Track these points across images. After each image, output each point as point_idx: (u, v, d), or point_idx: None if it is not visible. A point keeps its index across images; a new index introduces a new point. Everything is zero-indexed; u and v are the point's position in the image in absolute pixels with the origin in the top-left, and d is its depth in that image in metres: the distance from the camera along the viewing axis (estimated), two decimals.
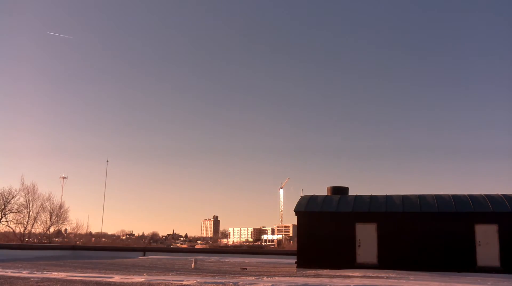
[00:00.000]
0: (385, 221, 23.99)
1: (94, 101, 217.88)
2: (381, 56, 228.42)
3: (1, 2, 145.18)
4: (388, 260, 23.13)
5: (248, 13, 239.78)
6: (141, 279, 15.63)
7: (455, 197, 24.26)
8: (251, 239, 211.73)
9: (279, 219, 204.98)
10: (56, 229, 54.71)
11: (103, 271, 20.25)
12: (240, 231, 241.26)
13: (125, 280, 15.07)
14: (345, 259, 23.64)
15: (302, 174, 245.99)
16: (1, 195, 47.39)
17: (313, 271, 22.00)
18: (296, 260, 24.76)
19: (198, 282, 14.77)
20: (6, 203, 47.67)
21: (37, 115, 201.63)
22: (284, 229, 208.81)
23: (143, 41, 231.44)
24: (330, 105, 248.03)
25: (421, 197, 24.78)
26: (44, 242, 49.01)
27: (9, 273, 17.50)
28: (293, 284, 14.46)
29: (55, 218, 51.77)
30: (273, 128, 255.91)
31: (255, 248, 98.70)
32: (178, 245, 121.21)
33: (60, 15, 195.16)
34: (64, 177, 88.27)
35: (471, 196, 24.13)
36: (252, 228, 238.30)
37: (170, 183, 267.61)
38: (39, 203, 50.34)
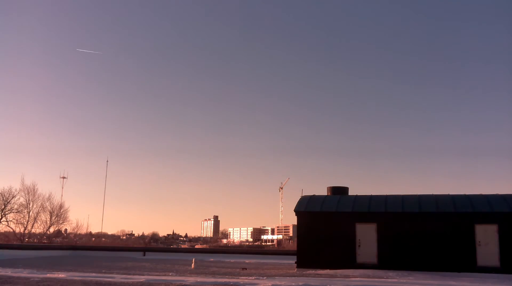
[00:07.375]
0: (385, 221, 24.01)
1: (94, 101, 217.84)
2: (381, 56, 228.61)
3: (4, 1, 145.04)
4: (388, 260, 23.15)
5: (250, 10, 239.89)
6: (141, 279, 15.65)
7: (455, 197, 24.26)
8: (251, 239, 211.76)
9: (279, 219, 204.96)
10: (56, 229, 54.63)
11: (103, 271, 20.25)
12: (240, 231, 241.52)
13: (125, 280, 15.09)
14: (345, 259, 23.65)
15: (302, 174, 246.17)
16: (1, 195, 47.41)
17: (313, 271, 21.99)
18: (296, 260, 24.76)
19: (198, 282, 14.79)
20: (6, 203, 47.67)
21: (37, 115, 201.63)
22: (284, 229, 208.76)
23: (144, 40, 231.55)
24: (331, 105, 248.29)
25: (421, 197, 24.78)
26: (44, 242, 48.98)
27: (9, 273, 17.51)
28: (293, 284, 14.47)
29: (55, 218, 51.75)
30: (273, 128, 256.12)
31: (255, 248, 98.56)
32: (178, 245, 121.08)
33: (61, 16, 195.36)
34: (64, 177, 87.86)
35: (471, 196, 24.13)
36: (252, 228, 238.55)
37: (170, 183, 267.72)
38: (39, 203, 50.34)
